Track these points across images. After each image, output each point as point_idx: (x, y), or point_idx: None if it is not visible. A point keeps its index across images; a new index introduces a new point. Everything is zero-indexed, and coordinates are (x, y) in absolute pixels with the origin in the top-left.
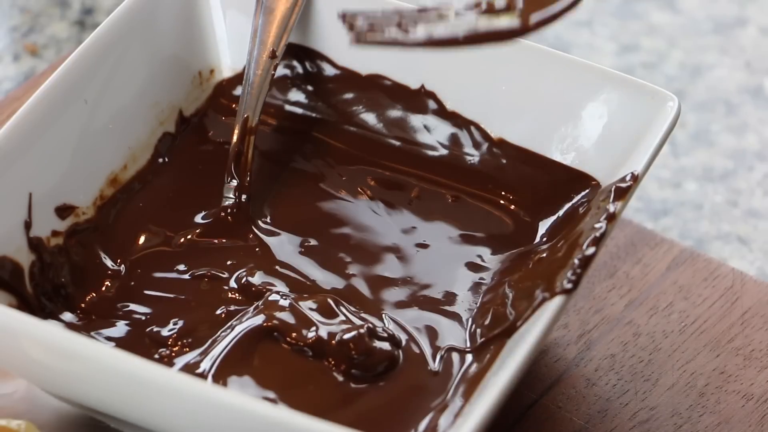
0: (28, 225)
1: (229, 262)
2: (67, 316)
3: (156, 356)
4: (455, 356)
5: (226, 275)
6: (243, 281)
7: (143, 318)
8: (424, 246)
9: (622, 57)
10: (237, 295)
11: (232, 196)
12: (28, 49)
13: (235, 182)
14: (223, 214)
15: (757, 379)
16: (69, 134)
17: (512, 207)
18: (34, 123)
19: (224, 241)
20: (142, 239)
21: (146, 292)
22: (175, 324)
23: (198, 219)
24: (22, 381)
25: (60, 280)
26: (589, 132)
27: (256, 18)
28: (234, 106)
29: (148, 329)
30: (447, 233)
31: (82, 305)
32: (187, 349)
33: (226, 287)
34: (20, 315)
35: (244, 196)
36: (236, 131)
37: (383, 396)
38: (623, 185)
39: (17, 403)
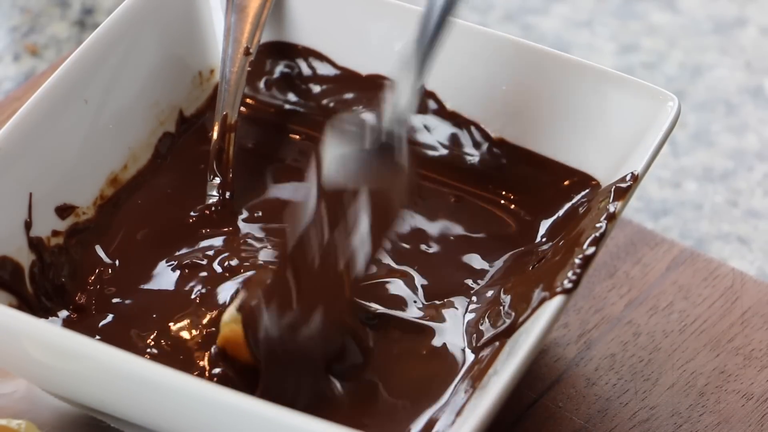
0: (28, 225)
1: (212, 254)
2: (63, 313)
3: (141, 345)
4: (455, 355)
5: (205, 262)
6: (225, 264)
7: (130, 312)
8: (422, 243)
9: (622, 57)
10: (214, 276)
11: (215, 193)
12: (28, 49)
13: (218, 180)
14: (207, 212)
15: (757, 379)
16: (69, 134)
17: (513, 206)
18: (34, 123)
19: (208, 232)
20: (138, 237)
21: (136, 286)
22: (155, 314)
23: (187, 217)
24: (22, 381)
25: (60, 280)
26: (589, 132)
27: (228, 17)
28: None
29: (132, 322)
30: (447, 232)
31: (77, 302)
32: (163, 335)
33: (205, 273)
34: (20, 315)
35: (227, 193)
36: (216, 129)
37: (382, 395)
38: (623, 185)
39: (17, 402)
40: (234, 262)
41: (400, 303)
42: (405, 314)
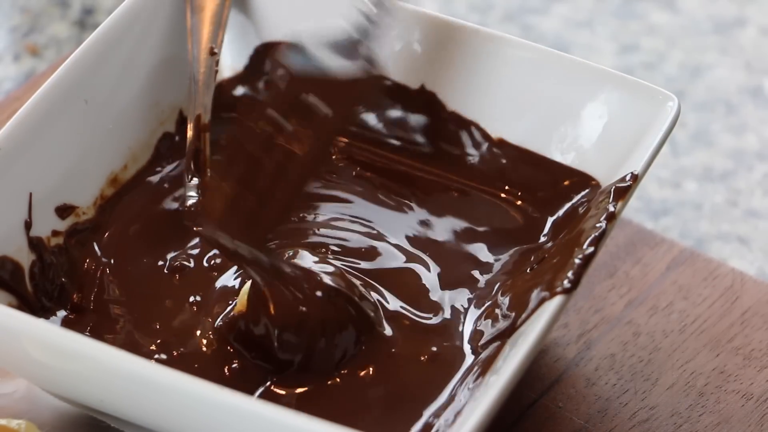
0: (28, 225)
1: (200, 254)
2: (63, 313)
3: (141, 345)
4: (456, 355)
5: (195, 264)
6: (212, 263)
7: (129, 313)
8: (427, 237)
9: (622, 57)
10: (207, 277)
11: (194, 194)
12: (28, 49)
13: (196, 180)
14: (188, 211)
15: (756, 379)
16: (69, 134)
17: (519, 203)
18: (34, 123)
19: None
20: (138, 238)
21: (135, 287)
22: (154, 314)
23: (179, 218)
24: (22, 381)
25: (60, 280)
26: (589, 132)
27: (188, 18)
28: (242, 107)
29: (131, 322)
30: (452, 225)
31: (76, 302)
32: (164, 335)
33: (198, 274)
34: (20, 315)
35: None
36: (190, 130)
37: (382, 394)
38: (623, 185)
39: (17, 402)
40: (220, 260)
41: (409, 295)
42: (413, 310)
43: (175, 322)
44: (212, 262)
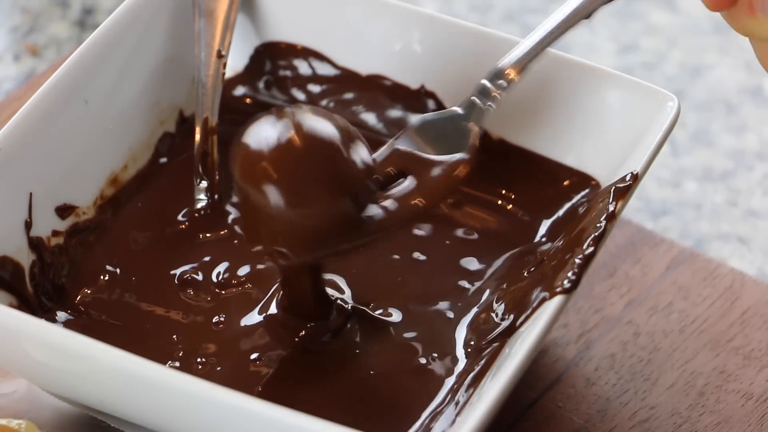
0: (28, 225)
1: (208, 259)
2: (63, 313)
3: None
4: (455, 356)
5: (200, 265)
6: (217, 268)
7: (129, 313)
8: (422, 243)
9: (622, 57)
10: (209, 280)
11: (203, 197)
12: (28, 49)
13: (205, 183)
14: (197, 215)
15: (756, 379)
16: (69, 134)
17: (512, 206)
18: (34, 123)
19: (203, 236)
20: (138, 238)
21: (135, 286)
22: (154, 314)
23: (180, 219)
24: (23, 381)
25: (60, 280)
26: (589, 132)
27: (196, 22)
28: (241, 106)
29: (131, 322)
30: (447, 231)
31: (77, 302)
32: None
33: (201, 277)
34: (21, 315)
35: (215, 196)
36: (198, 133)
37: (381, 395)
38: (623, 185)
39: (17, 402)
40: (226, 266)
41: (403, 296)
42: (409, 309)
43: (175, 324)
44: (217, 267)
